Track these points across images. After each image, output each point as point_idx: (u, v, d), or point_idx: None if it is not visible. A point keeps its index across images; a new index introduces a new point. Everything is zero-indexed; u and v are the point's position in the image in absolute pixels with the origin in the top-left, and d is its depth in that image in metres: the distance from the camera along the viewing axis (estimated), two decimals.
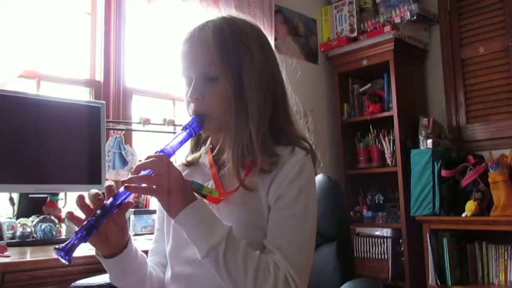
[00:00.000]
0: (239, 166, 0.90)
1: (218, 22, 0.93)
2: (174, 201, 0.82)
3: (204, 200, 0.90)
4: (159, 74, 2.51)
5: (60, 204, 1.88)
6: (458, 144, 3.02)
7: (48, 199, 1.84)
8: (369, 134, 3.14)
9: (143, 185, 0.81)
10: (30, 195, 1.81)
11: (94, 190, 0.83)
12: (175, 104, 2.54)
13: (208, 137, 1.04)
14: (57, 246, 0.76)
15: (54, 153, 1.77)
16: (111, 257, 0.90)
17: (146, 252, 1.02)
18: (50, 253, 1.44)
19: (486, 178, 2.54)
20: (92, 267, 1.28)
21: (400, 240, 2.89)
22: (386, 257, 2.89)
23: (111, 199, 0.82)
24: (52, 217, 1.76)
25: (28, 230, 1.69)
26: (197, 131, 0.92)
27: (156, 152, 0.85)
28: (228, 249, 0.80)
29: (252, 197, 0.90)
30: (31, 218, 1.73)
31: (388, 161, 3.02)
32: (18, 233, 1.67)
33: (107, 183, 0.84)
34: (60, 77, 2.17)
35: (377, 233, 2.96)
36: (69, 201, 1.90)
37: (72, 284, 1.18)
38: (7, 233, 1.65)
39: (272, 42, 2.56)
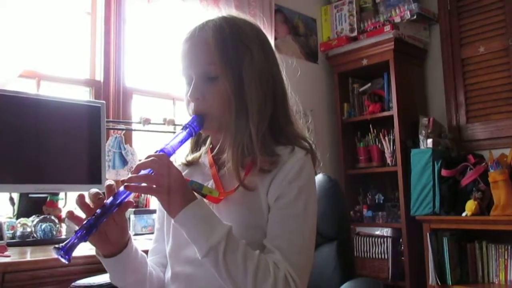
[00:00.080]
0: (239, 165, 0.90)
1: (218, 21, 0.93)
2: (174, 200, 0.82)
3: (204, 199, 0.90)
4: (159, 74, 2.51)
5: (60, 204, 1.88)
6: (458, 143, 3.02)
7: (48, 199, 1.84)
8: (369, 134, 3.13)
9: (143, 184, 0.81)
10: (30, 195, 1.81)
11: (94, 190, 0.83)
12: (175, 104, 2.54)
13: (208, 137, 1.04)
14: (57, 246, 0.76)
15: (54, 153, 1.77)
16: (111, 256, 0.90)
17: (146, 252, 1.02)
18: (50, 253, 1.44)
19: (486, 177, 2.55)
20: (92, 267, 1.28)
21: (400, 240, 2.89)
22: (386, 256, 2.89)
23: (111, 199, 0.82)
24: (52, 217, 1.76)
25: (28, 230, 1.69)
26: (197, 131, 0.92)
27: (156, 152, 0.85)
28: (228, 249, 0.80)
29: (252, 197, 0.90)
30: (31, 218, 1.73)
31: (388, 161, 3.02)
32: (18, 233, 1.67)
33: (107, 182, 0.84)
34: (60, 77, 2.17)
35: (377, 232, 2.96)
36: (69, 201, 1.90)
37: (72, 284, 1.18)
38: (7, 233, 1.65)
39: (272, 41, 2.56)
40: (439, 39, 3.19)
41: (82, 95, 2.24)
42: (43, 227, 1.69)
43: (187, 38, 0.94)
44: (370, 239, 2.97)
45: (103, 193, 0.84)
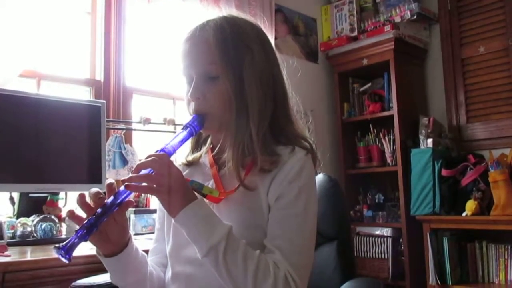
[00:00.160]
0: (239, 165, 0.90)
1: (219, 21, 0.93)
2: (174, 200, 0.82)
3: (204, 199, 0.90)
4: (159, 74, 2.51)
5: (61, 203, 1.88)
6: (458, 143, 3.02)
7: (48, 199, 1.84)
8: (369, 134, 3.13)
9: (144, 184, 0.81)
10: (30, 195, 1.81)
11: (95, 189, 0.83)
12: (175, 104, 2.54)
13: (208, 137, 1.04)
14: (57, 245, 0.76)
15: (54, 153, 1.77)
16: (111, 256, 0.90)
17: (146, 251, 1.01)
18: (51, 253, 1.44)
19: (486, 177, 2.55)
20: (92, 266, 1.28)
21: (400, 240, 2.89)
22: (386, 256, 2.89)
23: (111, 198, 0.82)
24: (53, 217, 1.76)
25: (29, 229, 1.69)
26: (197, 130, 0.92)
27: (156, 151, 0.85)
28: (228, 249, 0.80)
29: (252, 197, 0.90)
30: (31, 218, 1.73)
31: (388, 161, 3.02)
32: (18, 233, 1.67)
33: (108, 181, 0.84)
34: (61, 77, 2.17)
35: (377, 232, 2.96)
36: (69, 200, 1.90)
37: (73, 283, 1.18)
38: (8, 233, 1.65)
39: (272, 41, 2.56)
40: (439, 39, 3.19)
41: (82, 95, 2.24)
42: (43, 226, 1.69)
43: (188, 38, 0.94)
44: (370, 239, 2.97)
45: (104, 192, 0.84)
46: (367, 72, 3.19)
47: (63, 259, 0.76)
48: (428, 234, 2.68)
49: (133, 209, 2.03)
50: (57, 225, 1.75)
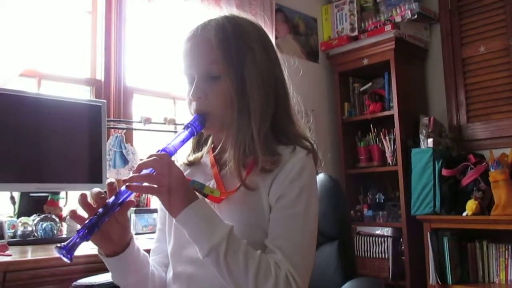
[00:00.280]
0: (241, 165, 0.90)
1: (220, 21, 0.93)
2: (175, 200, 0.82)
3: (206, 199, 0.90)
4: (159, 73, 2.51)
5: (61, 203, 1.88)
6: (458, 143, 3.02)
7: (49, 198, 1.84)
8: (370, 133, 3.13)
9: (145, 184, 0.81)
10: (31, 194, 1.81)
11: (96, 189, 0.83)
12: (175, 103, 2.54)
13: (210, 137, 1.04)
14: (58, 245, 0.76)
15: (55, 152, 1.77)
16: (113, 256, 0.90)
17: (147, 251, 1.01)
18: (51, 252, 1.44)
19: (486, 177, 2.55)
20: (93, 266, 1.28)
21: (401, 239, 2.89)
22: (386, 256, 2.89)
23: (113, 198, 0.82)
24: (53, 216, 1.76)
25: (29, 229, 1.69)
26: (199, 130, 0.92)
27: (158, 151, 0.85)
28: (229, 249, 0.80)
29: (253, 197, 0.90)
30: (32, 217, 1.73)
31: (389, 160, 3.02)
32: (19, 232, 1.67)
33: (109, 180, 0.84)
34: (61, 76, 2.17)
35: (378, 232, 2.96)
36: (70, 200, 1.90)
37: (74, 283, 1.18)
38: (8, 232, 1.65)
39: (273, 41, 2.56)
40: (440, 39, 3.19)
41: (83, 94, 2.24)
42: (44, 226, 1.69)
43: (189, 37, 0.94)
44: (371, 238, 2.97)
45: (105, 192, 0.84)
46: (368, 72, 3.19)
47: (65, 259, 0.76)
48: (428, 233, 2.68)
49: (134, 208, 2.03)
50: (58, 224, 1.75)
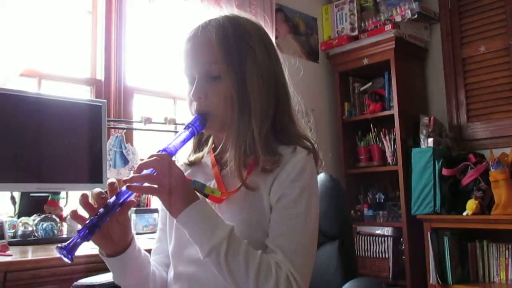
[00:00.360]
0: (241, 165, 0.90)
1: (221, 21, 0.93)
2: (176, 200, 0.82)
3: (206, 199, 0.90)
4: (160, 73, 2.51)
5: (62, 203, 1.88)
6: (459, 142, 3.02)
7: (49, 198, 1.84)
8: (370, 133, 3.13)
9: (145, 184, 0.80)
10: (31, 194, 1.81)
11: (97, 189, 0.83)
12: (175, 103, 2.54)
13: (210, 137, 1.04)
14: (59, 245, 0.76)
15: (55, 152, 1.77)
16: (114, 256, 0.90)
17: (147, 251, 1.01)
18: (52, 252, 1.44)
19: (487, 176, 2.55)
20: (94, 266, 1.28)
21: (401, 239, 2.89)
22: (387, 256, 2.89)
23: (114, 198, 0.82)
24: (54, 216, 1.76)
25: (30, 229, 1.69)
26: (199, 130, 0.92)
27: (158, 151, 0.85)
28: (230, 249, 0.80)
29: (254, 197, 0.90)
30: (32, 217, 1.73)
31: (389, 160, 3.02)
32: (19, 232, 1.67)
33: (110, 180, 0.84)
34: (61, 76, 2.17)
35: (378, 232, 2.96)
36: (70, 200, 1.90)
37: (74, 283, 1.18)
38: (9, 232, 1.65)
39: (273, 40, 2.56)
40: (440, 38, 3.19)
41: (83, 94, 2.24)
42: (44, 226, 1.69)
43: (190, 37, 0.94)
44: (371, 238, 2.98)
45: (106, 192, 0.84)
46: (368, 72, 3.19)
47: (65, 259, 0.76)
48: (428, 233, 2.68)
49: (134, 208, 2.03)
50: (58, 224, 1.75)
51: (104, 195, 0.83)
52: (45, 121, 1.75)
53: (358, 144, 3.20)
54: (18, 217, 1.74)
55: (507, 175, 2.47)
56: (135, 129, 2.26)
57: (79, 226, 0.80)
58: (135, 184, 0.79)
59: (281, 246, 0.85)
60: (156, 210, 2.07)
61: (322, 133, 3.15)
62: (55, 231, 1.72)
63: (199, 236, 0.82)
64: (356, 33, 3.16)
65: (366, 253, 2.98)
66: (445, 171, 2.68)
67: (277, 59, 0.99)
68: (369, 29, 3.09)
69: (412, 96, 3.11)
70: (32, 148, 1.72)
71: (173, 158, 0.86)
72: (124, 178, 0.80)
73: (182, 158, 1.03)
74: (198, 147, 1.04)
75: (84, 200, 0.82)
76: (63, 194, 1.89)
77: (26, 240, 1.66)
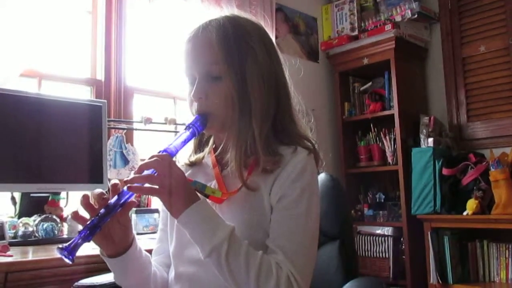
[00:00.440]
0: (242, 166, 0.90)
1: (221, 21, 0.93)
2: (176, 201, 0.82)
3: (207, 200, 0.90)
4: (160, 73, 2.51)
5: (62, 203, 1.88)
6: (459, 142, 3.02)
7: (50, 198, 1.84)
8: (370, 133, 3.14)
9: (146, 185, 0.80)
10: (31, 195, 1.81)
11: (98, 190, 0.83)
12: (176, 103, 2.54)
13: (211, 137, 1.04)
14: (60, 246, 0.76)
15: (55, 152, 1.77)
16: (115, 256, 0.90)
17: (148, 251, 1.01)
18: (53, 253, 1.44)
19: (487, 176, 2.55)
20: (94, 266, 1.28)
21: (401, 239, 2.89)
22: (387, 255, 2.90)
23: (115, 198, 0.82)
24: (54, 217, 1.76)
25: (30, 229, 1.69)
26: (200, 130, 0.92)
27: (159, 152, 0.85)
28: (230, 250, 0.80)
29: (254, 197, 0.90)
30: (33, 218, 1.73)
31: (389, 160, 3.02)
32: (20, 233, 1.67)
33: (113, 181, 0.84)
34: (61, 76, 2.17)
35: (378, 231, 2.97)
36: (71, 200, 1.90)
37: (75, 283, 1.18)
38: (9, 233, 1.65)
39: (273, 40, 2.56)
40: (440, 38, 3.19)
41: (83, 94, 2.24)
42: (44, 226, 1.69)
43: (190, 38, 0.94)
44: (371, 238, 2.98)
45: (107, 191, 0.84)
46: (368, 71, 3.19)
47: (67, 260, 0.76)
48: (429, 233, 2.68)
49: (135, 208, 2.02)
50: (59, 225, 1.75)
51: (105, 196, 0.83)
52: (45, 121, 1.75)
53: (358, 144, 3.20)
54: (19, 218, 1.74)
55: (507, 175, 2.47)
56: (135, 129, 2.26)
57: (80, 227, 0.80)
58: (136, 184, 0.79)
59: (282, 247, 0.85)
60: (156, 210, 2.07)
61: (322, 133, 3.15)
62: (56, 232, 1.72)
63: (200, 236, 0.82)
64: (356, 33, 3.16)
65: (367, 253, 2.98)
66: (445, 171, 2.68)
67: (278, 59, 0.99)
68: (369, 29, 3.09)
69: (412, 96, 3.11)
70: (33, 149, 1.71)
71: (174, 159, 0.86)
72: (125, 179, 0.80)
73: (182, 158, 1.03)
74: (198, 148, 1.04)
75: (85, 201, 0.82)
76: (63, 194, 1.89)
77: (26, 240, 1.66)
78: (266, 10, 2.72)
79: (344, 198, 1.34)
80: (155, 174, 0.81)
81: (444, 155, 2.76)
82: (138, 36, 2.44)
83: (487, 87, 2.98)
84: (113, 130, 2.15)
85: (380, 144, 3.08)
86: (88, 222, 0.80)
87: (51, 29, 2.06)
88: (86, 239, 0.78)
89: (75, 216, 0.82)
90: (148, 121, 2.19)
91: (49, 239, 1.67)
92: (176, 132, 2.32)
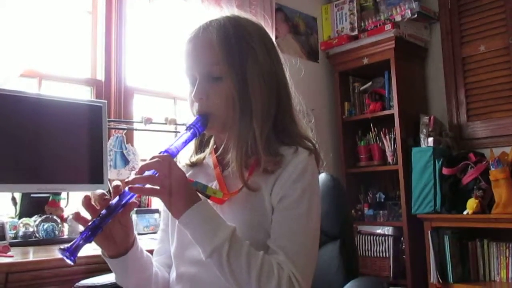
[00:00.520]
0: (243, 166, 0.90)
1: (222, 21, 0.93)
2: (178, 202, 0.82)
3: (208, 200, 0.90)
4: (160, 73, 2.51)
5: (62, 203, 1.88)
6: (459, 142, 3.02)
7: (50, 199, 1.84)
8: (370, 133, 3.14)
9: (147, 185, 0.81)
10: (32, 195, 1.81)
11: (100, 190, 0.83)
12: (176, 103, 2.54)
13: (212, 138, 1.04)
14: (62, 247, 0.76)
15: (55, 153, 1.77)
16: (116, 257, 0.90)
17: (149, 251, 1.01)
18: (53, 253, 1.44)
19: (487, 176, 2.55)
20: (95, 266, 1.28)
21: (402, 238, 2.89)
22: (387, 255, 2.90)
23: (116, 199, 0.82)
24: (55, 217, 1.75)
25: (31, 230, 1.69)
26: (201, 131, 0.92)
27: (160, 152, 0.85)
28: (232, 250, 0.80)
29: (255, 198, 0.90)
30: (33, 218, 1.73)
31: (389, 159, 3.02)
32: (20, 233, 1.67)
33: (115, 183, 0.84)
34: (62, 76, 2.17)
35: (379, 231, 2.97)
36: (71, 200, 1.90)
37: (76, 284, 1.18)
38: (10, 233, 1.65)
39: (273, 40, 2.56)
40: (440, 38, 3.19)
41: (83, 95, 2.24)
42: (45, 227, 1.69)
43: (191, 38, 0.94)
44: (372, 237, 2.98)
45: (108, 191, 0.84)
46: (368, 71, 3.19)
47: (68, 261, 0.77)
48: (429, 232, 2.68)
49: (135, 209, 2.02)
50: (59, 225, 1.75)
51: (106, 197, 0.83)
52: (45, 121, 1.75)
53: (358, 144, 3.20)
54: (19, 218, 1.74)
55: (507, 174, 2.47)
56: (136, 129, 2.26)
57: (81, 228, 0.80)
58: (137, 185, 0.79)
59: (283, 247, 0.85)
60: (156, 211, 2.07)
61: (322, 133, 3.15)
62: (56, 232, 1.72)
63: (201, 237, 0.82)
64: (356, 32, 3.16)
65: (367, 253, 2.98)
66: (445, 170, 2.68)
67: (278, 60, 0.99)
68: (369, 28, 3.09)
69: (412, 96, 3.11)
70: (33, 149, 1.71)
71: (175, 159, 0.86)
72: (126, 180, 0.80)
73: (183, 159, 1.03)
74: (199, 148, 1.04)
75: (86, 202, 0.82)
76: (63, 194, 1.89)
77: (27, 241, 1.66)
78: (266, 10, 2.72)
79: (344, 198, 1.34)
80: (156, 175, 0.81)
81: (444, 155, 2.76)
82: (138, 36, 2.44)
83: (487, 87, 2.98)
84: (113, 130, 2.15)
85: (380, 144, 3.08)
86: (90, 223, 0.80)
87: (51, 29, 2.06)
88: (87, 240, 0.78)
89: (77, 217, 0.82)
90: (148, 121, 2.19)
91: (50, 240, 1.67)
92: (176, 132, 2.32)
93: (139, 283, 0.95)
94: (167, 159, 0.82)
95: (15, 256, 1.39)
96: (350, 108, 3.24)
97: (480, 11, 3.01)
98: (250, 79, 0.91)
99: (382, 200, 3.15)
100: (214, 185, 0.96)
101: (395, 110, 2.95)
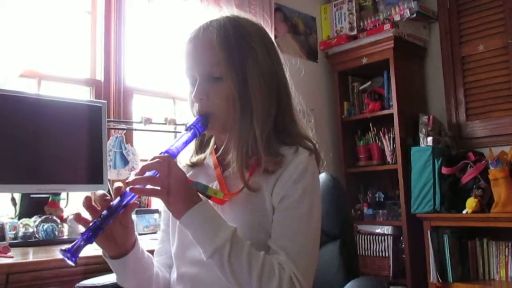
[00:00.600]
0: (243, 166, 0.90)
1: (222, 22, 0.93)
2: (178, 202, 0.82)
3: (209, 201, 0.90)
4: (159, 73, 2.51)
5: (62, 204, 1.88)
6: (458, 141, 3.02)
7: (50, 199, 1.84)
8: (369, 132, 3.14)
9: (148, 186, 0.81)
10: (32, 195, 1.81)
11: (101, 191, 0.84)
12: (175, 103, 2.54)
13: (212, 138, 1.04)
14: (63, 248, 0.77)
15: (55, 153, 1.77)
16: (118, 258, 0.90)
17: (149, 251, 1.01)
18: (53, 254, 1.44)
19: (486, 175, 2.55)
20: (96, 267, 1.28)
21: (401, 238, 2.90)
22: (387, 254, 2.90)
23: (117, 200, 0.82)
24: (54, 217, 1.76)
25: (31, 230, 1.69)
26: (201, 131, 0.92)
27: (161, 153, 0.85)
28: (233, 250, 0.80)
29: (256, 198, 0.91)
30: (33, 219, 1.73)
31: (389, 159, 3.03)
32: (20, 234, 1.67)
33: (116, 185, 0.84)
34: (61, 77, 2.16)
35: (378, 230, 2.97)
36: (71, 201, 1.90)
37: (77, 284, 1.18)
38: (9, 234, 1.65)
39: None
40: (439, 37, 3.19)
41: (83, 95, 2.24)
42: (45, 227, 1.69)
43: (191, 38, 0.94)
44: (371, 237, 2.98)
45: (108, 192, 0.84)
46: (367, 71, 3.19)
47: (70, 262, 0.77)
48: (428, 232, 2.68)
49: (135, 209, 2.03)
50: (59, 225, 1.75)
51: (107, 197, 0.83)
52: (45, 122, 1.75)
53: (358, 143, 3.20)
54: (19, 219, 1.74)
55: (507, 173, 2.48)
56: (135, 129, 2.26)
57: (82, 228, 0.80)
58: (137, 186, 0.79)
59: (284, 247, 0.85)
60: (156, 211, 2.07)
61: (322, 133, 3.15)
62: (56, 232, 1.72)
63: (202, 237, 0.82)
64: (355, 32, 3.16)
65: (366, 252, 2.99)
66: (444, 170, 2.68)
67: (278, 60, 0.99)
68: (368, 28, 3.10)
69: (411, 95, 3.11)
70: (32, 149, 1.71)
71: (175, 160, 0.86)
72: (126, 180, 0.80)
73: (184, 159, 1.03)
74: (200, 148, 1.04)
75: (87, 203, 0.82)
76: (63, 195, 1.89)
77: (27, 241, 1.66)
78: (265, 10, 2.72)
79: (344, 197, 1.34)
80: (157, 176, 0.81)
81: (443, 154, 2.76)
82: (138, 36, 2.44)
83: (486, 86, 2.98)
84: (112, 130, 2.14)
85: (380, 144, 3.08)
86: (91, 224, 0.80)
87: (51, 30, 2.05)
88: (88, 241, 0.79)
89: (78, 218, 0.82)
90: (148, 121, 2.18)
91: (50, 240, 1.67)
92: (175, 132, 2.32)
93: (140, 284, 0.95)
94: (167, 159, 0.82)
95: (15, 256, 1.39)
96: (349, 108, 3.24)
97: (479, 11, 3.01)
98: (250, 79, 0.91)
99: (382, 199, 3.15)
100: (215, 185, 0.96)
101: (394, 110, 2.95)
